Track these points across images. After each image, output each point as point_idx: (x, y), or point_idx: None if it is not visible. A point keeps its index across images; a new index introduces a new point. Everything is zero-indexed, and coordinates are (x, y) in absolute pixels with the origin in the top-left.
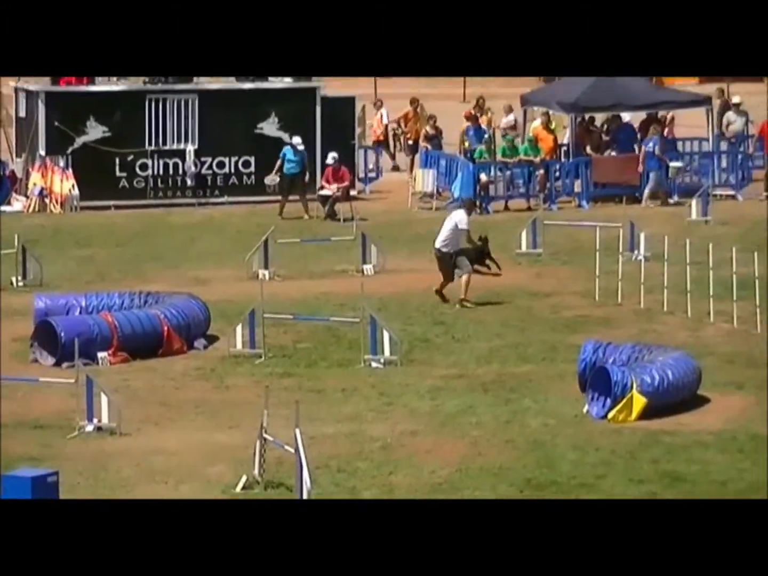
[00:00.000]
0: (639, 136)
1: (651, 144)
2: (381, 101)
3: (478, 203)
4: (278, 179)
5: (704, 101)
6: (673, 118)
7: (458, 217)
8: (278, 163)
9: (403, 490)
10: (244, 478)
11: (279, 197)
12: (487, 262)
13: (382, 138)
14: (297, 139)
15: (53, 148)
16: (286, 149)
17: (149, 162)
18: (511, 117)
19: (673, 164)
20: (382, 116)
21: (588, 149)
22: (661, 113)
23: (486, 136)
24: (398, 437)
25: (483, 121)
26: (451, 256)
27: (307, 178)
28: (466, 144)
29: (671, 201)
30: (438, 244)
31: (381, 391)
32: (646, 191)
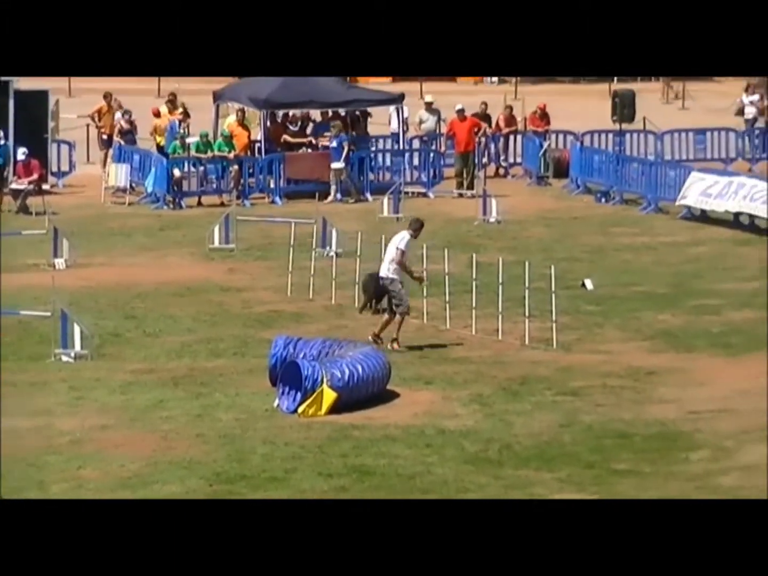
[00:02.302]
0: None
1: (336, 141)
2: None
3: (172, 199)
4: None
5: (396, 99)
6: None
7: (398, 237)
8: None
9: (93, 484)
10: None
11: None
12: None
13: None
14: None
15: None
16: None
17: None
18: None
19: (335, 165)
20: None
21: (282, 146)
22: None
23: (180, 131)
24: (88, 431)
25: (175, 116)
26: (400, 284)
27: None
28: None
29: (362, 198)
30: (383, 271)
31: (72, 385)
32: (333, 187)
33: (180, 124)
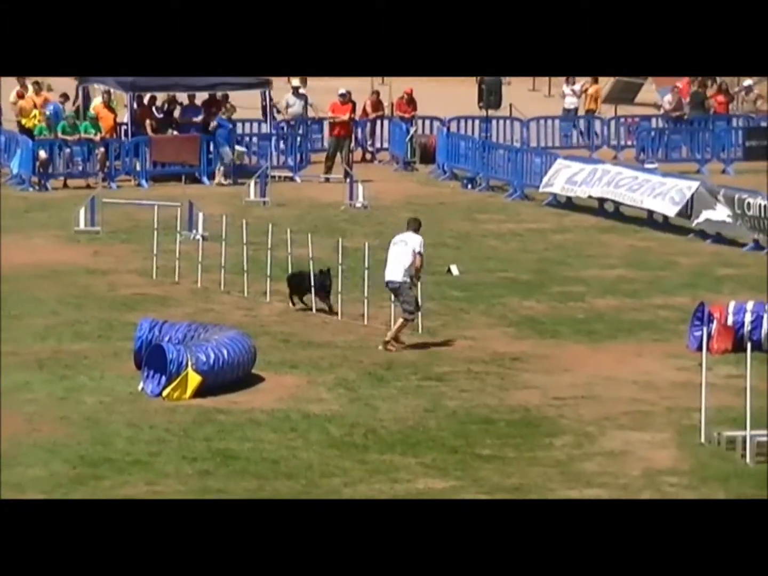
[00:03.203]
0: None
1: (231, 124)
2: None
3: (38, 181)
4: None
5: (262, 84)
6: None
7: (414, 240)
8: None
9: None
10: None
11: None
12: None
13: None
14: None
15: None
16: None
17: None
18: None
19: (238, 148)
20: None
21: (149, 129)
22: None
23: (48, 113)
24: None
25: (44, 99)
26: (409, 287)
27: None
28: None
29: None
30: (393, 275)
31: None
32: (220, 169)
33: (63, 106)
